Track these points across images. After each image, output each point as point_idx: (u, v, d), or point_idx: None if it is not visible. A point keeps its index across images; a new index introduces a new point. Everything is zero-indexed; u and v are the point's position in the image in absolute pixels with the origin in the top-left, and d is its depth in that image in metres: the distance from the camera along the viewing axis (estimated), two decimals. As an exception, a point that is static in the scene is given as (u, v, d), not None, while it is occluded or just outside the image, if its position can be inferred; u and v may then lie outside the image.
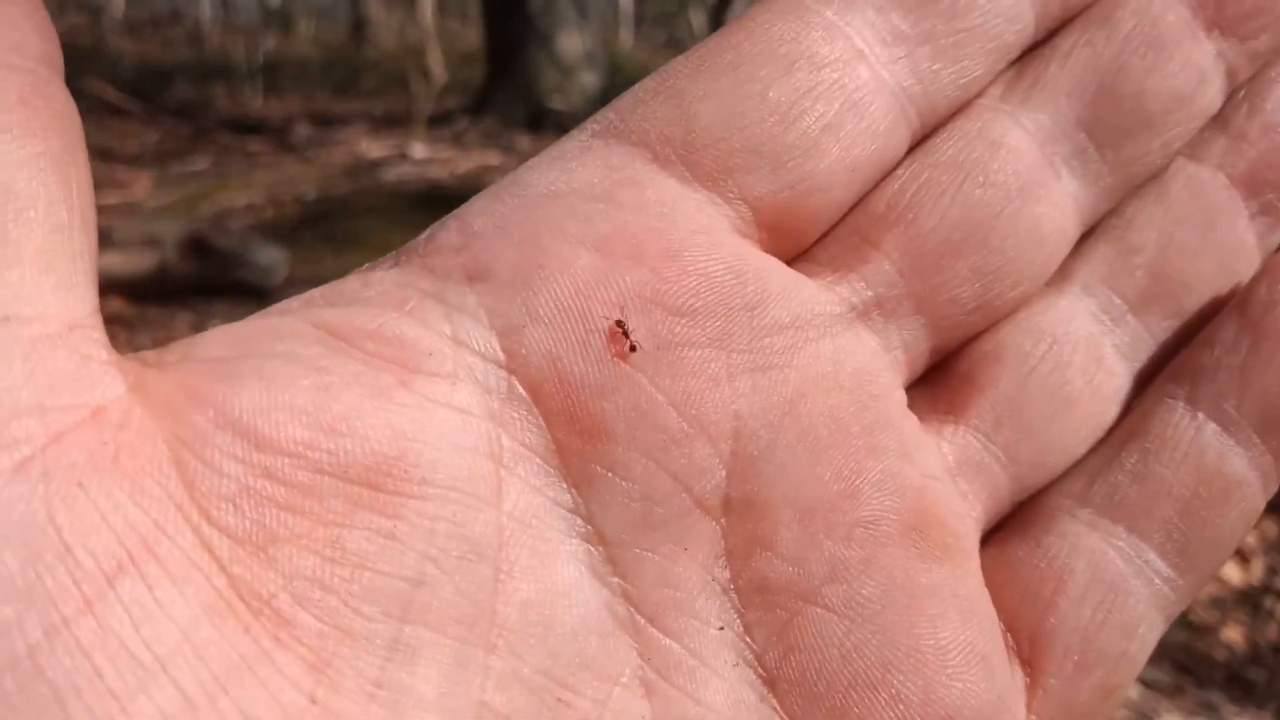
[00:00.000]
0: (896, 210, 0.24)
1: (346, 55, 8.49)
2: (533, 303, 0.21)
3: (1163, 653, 1.40)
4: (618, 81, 5.97)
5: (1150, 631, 0.25)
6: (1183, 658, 1.39)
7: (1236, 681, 1.35)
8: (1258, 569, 1.57)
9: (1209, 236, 0.26)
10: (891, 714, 0.22)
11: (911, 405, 0.25)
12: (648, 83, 0.24)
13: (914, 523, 0.23)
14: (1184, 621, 1.46)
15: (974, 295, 0.25)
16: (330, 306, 0.22)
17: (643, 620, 0.21)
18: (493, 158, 4.73)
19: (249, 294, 2.87)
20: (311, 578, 0.18)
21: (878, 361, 0.24)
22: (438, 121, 5.33)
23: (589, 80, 5.40)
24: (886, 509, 0.23)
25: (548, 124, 5.23)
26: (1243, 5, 0.25)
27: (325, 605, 0.18)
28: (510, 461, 0.21)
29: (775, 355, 0.23)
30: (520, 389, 0.21)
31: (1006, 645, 0.24)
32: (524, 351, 0.21)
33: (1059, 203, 0.25)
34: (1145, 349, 0.26)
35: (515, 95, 5.32)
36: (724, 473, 0.22)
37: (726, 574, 0.22)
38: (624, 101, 0.24)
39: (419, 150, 4.80)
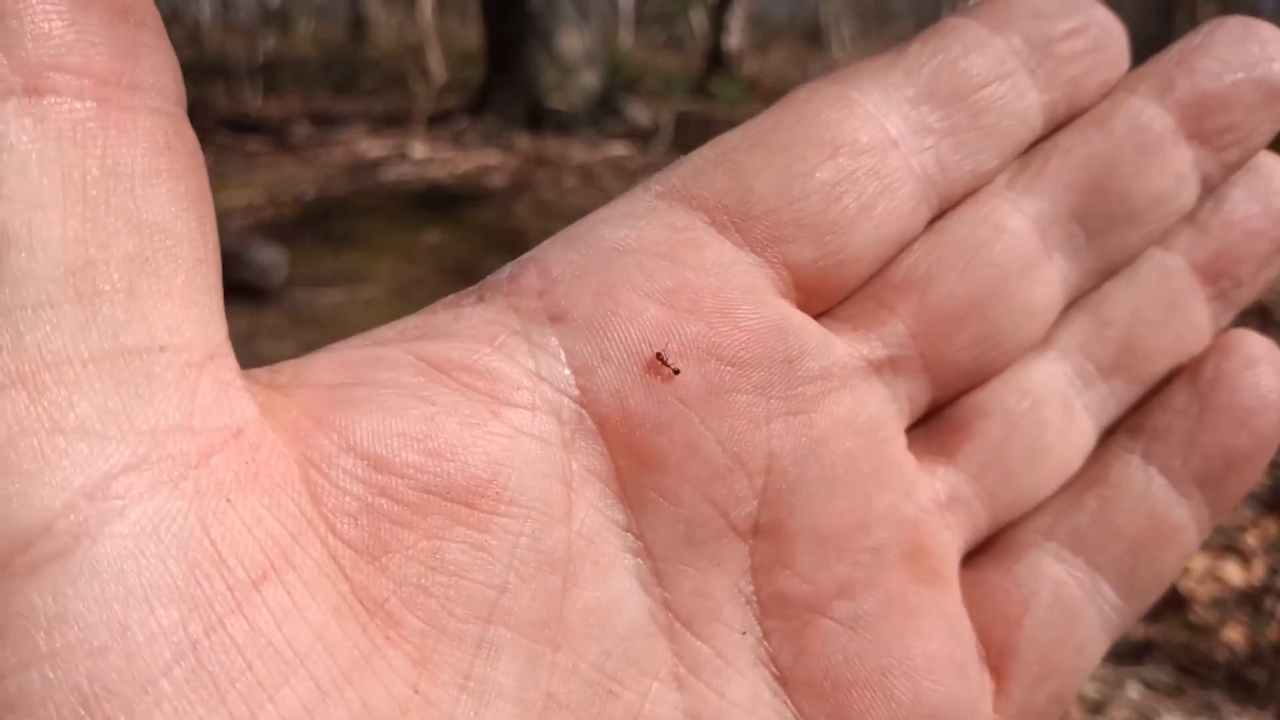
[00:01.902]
0: (912, 281, 0.28)
1: (346, 55, 8.49)
2: (605, 346, 0.24)
3: (1164, 653, 1.40)
4: (618, 81, 5.97)
5: (1096, 649, 0.29)
6: (1183, 658, 1.39)
7: (1237, 682, 1.35)
8: (1259, 569, 1.57)
9: (1171, 315, 0.30)
10: (885, 712, 0.26)
11: (910, 445, 0.29)
12: (707, 151, 0.27)
13: (910, 550, 0.27)
14: (1185, 622, 1.46)
15: (972, 359, 0.28)
16: (426, 339, 0.24)
17: (679, 625, 0.25)
18: (492, 157, 4.73)
19: (248, 293, 2.87)
20: (417, 584, 0.21)
21: (887, 410, 0.28)
22: (437, 121, 5.33)
23: (589, 80, 5.39)
24: (888, 538, 0.27)
25: (547, 123, 5.23)
26: (1219, 120, 0.29)
27: (427, 608, 0.21)
28: (579, 485, 0.24)
29: (806, 402, 0.26)
30: (590, 421, 0.24)
31: (979, 655, 0.29)
32: (595, 389, 0.24)
33: (1050, 281, 0.29)
34: (1109, 408, 0.30)
35: (515, 95, 5.32)
36: (756, 502, 0.25)
37: (751, 588, 0.26)
38: (685, 168, 0.27)
39: (418, 150, 4.80)
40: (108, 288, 0.18)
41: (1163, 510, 0.29)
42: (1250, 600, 1.52)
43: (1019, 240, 0.28)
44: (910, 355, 0.28)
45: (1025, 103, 0.28)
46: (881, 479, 0.27)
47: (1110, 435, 0.30)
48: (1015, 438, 0.29)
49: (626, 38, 10.07)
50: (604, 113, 5.39)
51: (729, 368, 0.25)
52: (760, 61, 8.20)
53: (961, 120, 0.28)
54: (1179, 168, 0.29)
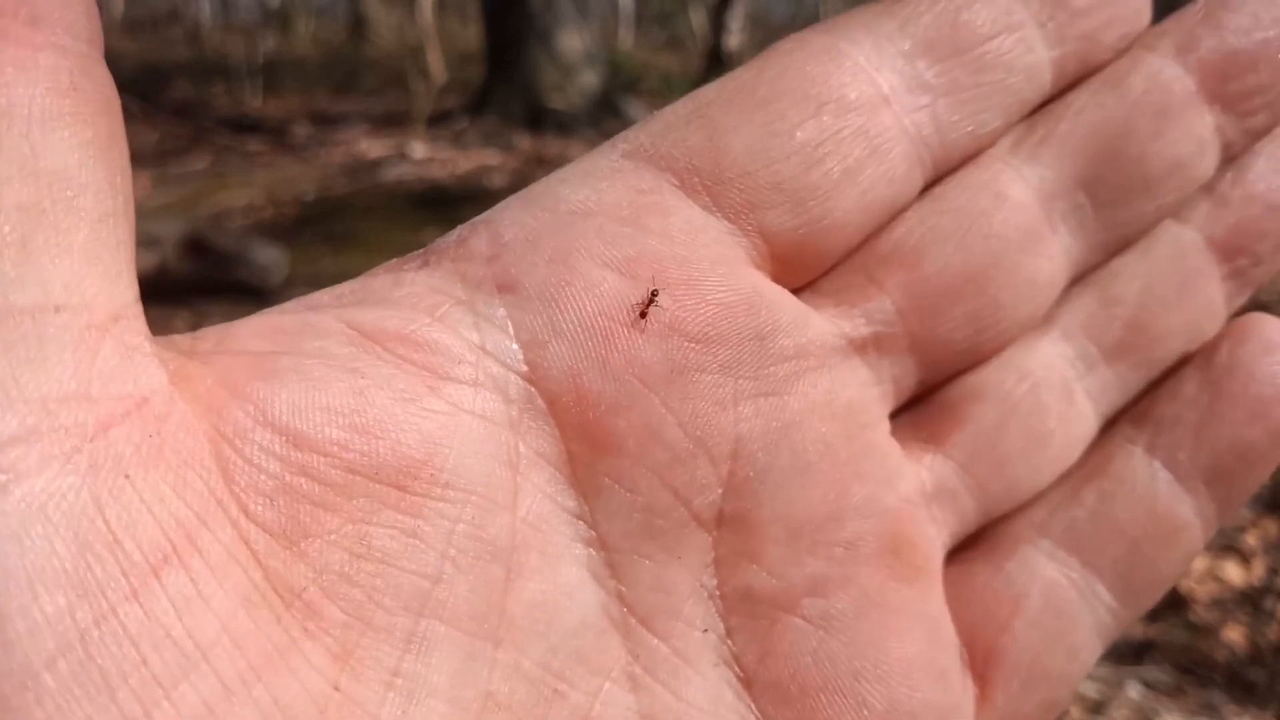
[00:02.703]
0: (902, 253, 0.26)
1: (346, 55, 8.48)
2: (558, 319, 0.22)
3: (1164, 653, 1.40)
4: (618, 81, 5.97)
5: (1090, 655, 0.27)
6: (1184, 658, 1.39)
7: (1237, 682, 1.35)
8: (1259, 569, 1.57)
9: (1183, 295, 0.27)
10: (856, 718, 0.24)
11: (896, 428, 0.27)
12: (680, 107, 0.25)
13: (889, 545, 0.25)
14: (1185, 622, 1.46)
15: (966, 338, 0.26)
16: (362, 305, 0.22)
17: (634, 621, 0.23)
18: (492, 157, 4.72)
19: (248, 293, 2.87)
20: (339, 572, 0.19)
21: (869, 393, 0.26)
22: (437, 121, 5.32)
23: (589, 79, 5.39)
24: (866, 531, 0.25)
25: (547, 123, 5.22)
26: (1245, 82, 0.26)
27: (350, 598, 0.19)
28: (526, 469, 0.22)
29: (778, 383, 0.24)
30: (539, 400, 0.22)
31: (962, 659, 0.27)
32: (545, 365, 0.22)
33: (1053, 256, 0.26)
34: (1113, 394, 0.28)
35: (515, 94, 5.32)
36: (721, 490, 0.23)
37: (714, 582, 0.24)
38: (655, 124, 0.25)
39: (418, 150, 4.80)
40: None
41: (1166, 507, 0.27)
42: (1250, 600, 1.52)
43: (1021, 210, 0.26)
44: (896, 333, 0.26)
45: (1033, 58, 0.26)
46: (859, 467, 0.25)
47: (1113, 424, 0.28)
48: (1011, 424, 0.27)
49: (626, 37, 10.07)
50: (604, 113, 5.38)
51: (694, 344, 0.23)
52: (760, 61, 8.17)
53: (962, 76, 0.25)
54: (1199, 133, 0.26)
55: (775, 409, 0.24)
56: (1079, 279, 0.28)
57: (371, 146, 4.95)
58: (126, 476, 0.17)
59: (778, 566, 0.24)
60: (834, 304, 0.26)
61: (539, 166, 4.59)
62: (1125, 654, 1.40)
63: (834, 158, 0.24)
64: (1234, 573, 1.57)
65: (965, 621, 0.27)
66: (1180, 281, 0.27)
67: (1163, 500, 0.27)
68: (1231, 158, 0.27)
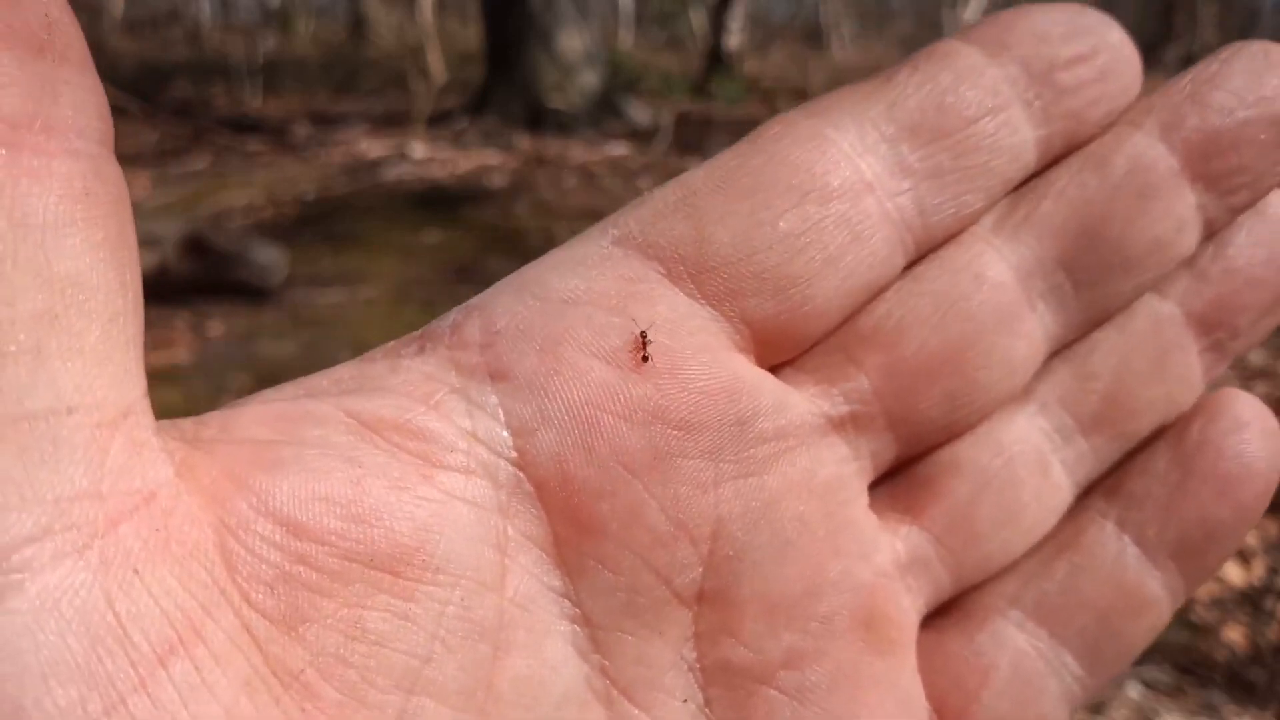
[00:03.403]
0: (881, 334, 0.26)
1: (346, 55, 8.48)
2: (546, 407, 0.23)
3: (1164, 653, 1.40)
4: (618, 81, 5.97)
5: None
6: (1183, 658, 1.39)
7: (1237, 682, 1.35)
8: (1258, 569, 1.57)
9: (1160, 369, 0.28)
10: None
11: (874, 499, 0.28)
12: (669, 193, 0.26)
13: (863, 619, 0.26)
14: (1185, 622, 1.46)
15: (943, 415, 0.27)
16: (359, 393, 0.23)
17: (617, 693, 0.24)
18: (492, 157, 4.73)
19: (248, 293, 2.87)
20: (335, 654, 0.20)
21: (847, 469, 0.27)
22: (437, 121, 5.32)
23: (588, 79, 5.39)
24: (841, 606, 0.26)
25: (547, 123, 5.22)
26: (1228, 162, 0.26)
27: (345, 678, 0.20)
28: (513, 550, 0.23)
29: (758, 464, 0.25)
30: (527, 485, 0.23)
31: None
32: (534, 451, 0.23)
33: (1031, 335, 0.27)
34: (1089, 465, 0.28)
35: (515, 94, 5.32)
36: (701, 569, 0.24)
37: (694, 654, 0.25)
38: (645, 209, 0.26)
39: (418, 149, 4.80)
40: (13, 348, 0.17)
41: (1134, 582, 0.27)
42: (1250, 600, 1.52)
43: (1000, 291, 0.26)
44: (874, 412, 0.26)
45: (1018, 139, 0.26)
46: (836, 543, 0.26)
47: (1087, 494, 0.29)
48: (986, 498, 0.27)
49: (626, 38, 10.07)
50: (604, 113, 5.38)
51: (676, 431, 0.24)
52: (760, 61, 8.20)
53: (945, 160, 0.25)
54: (1180, 213, 0.26)
55: (755, 489, 0.25)
56: (1058, 353, 0.28)
57: (371, 146, 4.95)
58: (135, 571, 0.18)
59: (755, 640, 0.25)
60: (814, 381, 0.27)
61: (539, 166, 4.59)
62: (1125, 654, 1.40)
63: (815, 246, 0.25)
64: (1234, 573, 1.57)
65: (936, 689, 0.27)
66: (1157, 355, 0.28)
67: (1131, 575, 0.27)
68: (1213, 233, 0.28)
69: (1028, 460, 0.28)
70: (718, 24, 7.32)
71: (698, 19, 9.48)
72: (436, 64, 6.16)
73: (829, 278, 0.25)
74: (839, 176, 0.25)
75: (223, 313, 2.79)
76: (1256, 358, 2.38)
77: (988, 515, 0.27)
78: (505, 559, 0.23)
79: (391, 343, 0.25)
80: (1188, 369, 0.28)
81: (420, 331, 0.25)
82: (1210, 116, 0.26)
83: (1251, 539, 1.65)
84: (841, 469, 0.26)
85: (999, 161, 0.26)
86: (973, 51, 0.26)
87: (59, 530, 0.17)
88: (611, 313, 0.24)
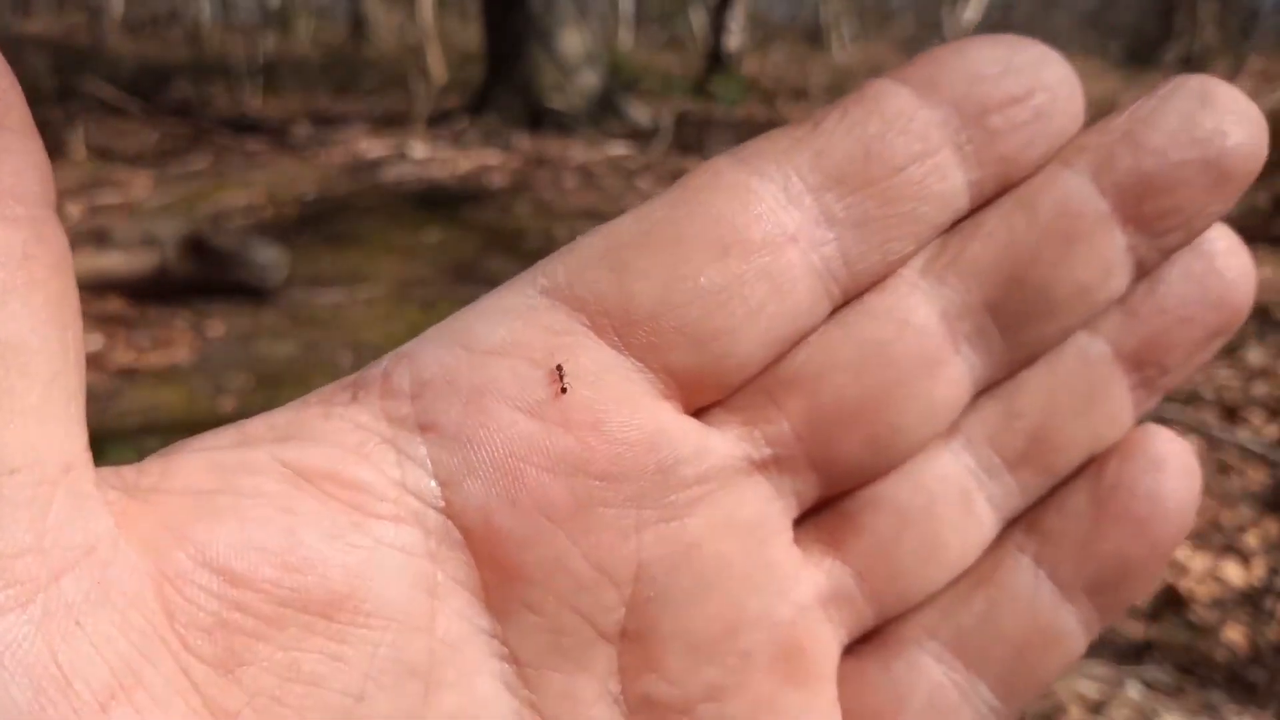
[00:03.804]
0: (802, 380, 0.27)
1: (346, 55, 8.49)
2: (472, 458, 0.24)
3: (1164, 653, 1.40)
4: (618, 81, 5.97)
5: None
6: (1184, 658, 1.39)
7: (1237, 682, 1.35)
8: (1259, 569, 1.57)
9: (1088, 406, 0.28)
10: None
11: (799, 536, 0.28)
12: (596, 243, 0.26)
13: (782, 653, 0.27)
14: (1185, 622, 1.46)
15: (864, 458, 0.27)
16: (294, 441, 0.24)
17: None
18: (492, 157, 4.73)
19: (248, 293, 2.87)
20: (271, 695, 0.21)
21: (770, 507, 0.27)
22: (437, 121, 5.33)
23: (589, 79, 5.39)
24: (760, 641, 0.26)
25: (547, 123, 5.22)
26: (1160, 204, 0.26)
27: (281, 717, 0.21)
28: (443, 594, 0.24)
29: (680, 509, 0.26)
30: (455, 533, 0.24)
31: None
32: (461, 501, 0.24)
33: (955, 378, 0.27)
34: (1014, 500, 0.28)
35: (515, 95, 5.32)
36: (624, 610, 0.25)
37: (619, 688, 0.26)
38: (572, 259, 0.26)
39: (418, 150, 4.80)
40: None
41: (1048, 617, 0.28)
42: (1250, 600, 1.52)
43: (924, 336, 0.26)
44: (796, 455, 0.27)
45: (948, 185, 0.26)
46: (756, 580, 0.26)
47: (1010, 528, 0.29)
48: (907, 535, 0.27)
49: (626, 38, 10.07)
50: (604, 113, 5.39)
51: (599, 482, 0.25)
52: (760, 61, 8.20)
53: (872, 209, 0.25)
54: (1108, 257, 0.26)
55: (676, 533, 0.25)
56: (987, 390, 0.28)
57: (372, 146, 4.96)
58: (77, 622, 0.19)
59: (677, 675, 0.26)
60: (740, 423, 0.27)
61: (539, 166, 4.59)
62: (1125, 654, 1.40)
63: (737, 301, 0.25)
64: (1234, 573, 1.57)
65: (854, 717, 0.28)
66: (1086, 393, 0.28)
67: (1045, 610, 0.28)
68: (1145, 273, 0.27)
69: (950, 497, 0.28)
70: (718, 24, 7.32)
71: (698, 19, 9.48)
72: (436, 64, 6.16)
73: (751, 330, 0.25)
74: (761, 230, 0.25)
75: (223, 312, 2.79)
76: (1256, 358, 2.38)
77: (909, 550, 0.28)
78: (435, 602, 0.24)
79: (328, 387, 0.26)
80: (1117, 405, 0.28)
81: (354, 378, 0.26)
82: (1143, 158, 0.26)
83: (1251, 539, 1.65)
84: (764, 508, 0.27)
85: (928, 208, 0.26)
86: (904, 93, 0.26)
87: (2, 586, 0.18)
88: (535, 365, 0.25)
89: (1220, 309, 0.27)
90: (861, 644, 0.29)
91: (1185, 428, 2.01)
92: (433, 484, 0.24)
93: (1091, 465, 0.28)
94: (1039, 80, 0.25)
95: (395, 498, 0.24)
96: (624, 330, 0.25)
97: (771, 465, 0.27)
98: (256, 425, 0.24)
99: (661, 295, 0.25)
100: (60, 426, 0.20)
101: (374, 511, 0.23)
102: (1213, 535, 1.68)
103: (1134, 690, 1.32)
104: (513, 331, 0.25)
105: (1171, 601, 1.52)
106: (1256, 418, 2.08)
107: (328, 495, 0.23)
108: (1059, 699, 1.30)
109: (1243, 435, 1.99)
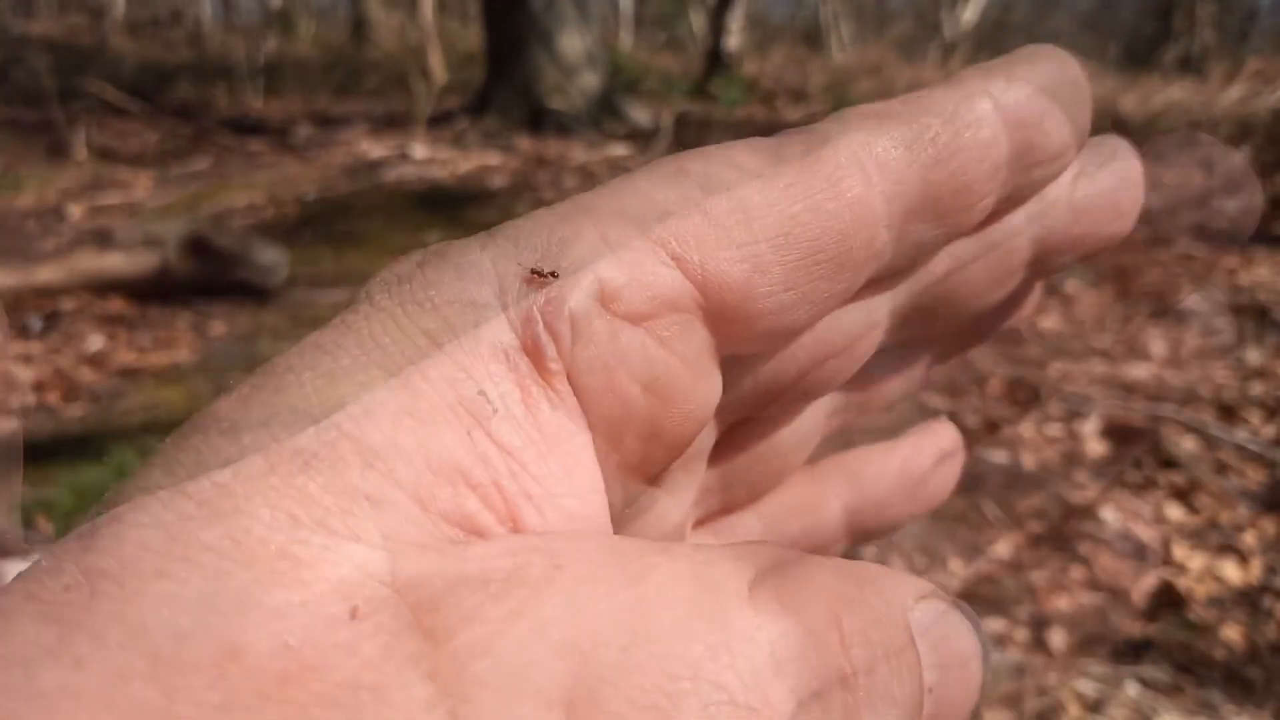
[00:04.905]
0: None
1: (347, 56, 8.49)
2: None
3: (1162, 652, 1.40)
4: (618, 82, 5.97)
5: None
6: (1182, 657, 1.39)
7: (1235, 681, 1.35)
8: (1256, 568, 1.58)
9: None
10: None
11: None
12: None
13: None
14: (1183, 621, 1.46)
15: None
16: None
17: None
18: (493, 158, 4.73)
19: (250, 293, 2.88)
20: None
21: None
22: (438, 122, 5.33)
23: (589, 80, 5.40)
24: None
25: (548, 124, 5.23)
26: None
27: None
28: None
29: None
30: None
31: None
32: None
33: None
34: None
35: (515, 95, 5.33)
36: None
37: None
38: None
39: (419, 150, 4.80)
40: None
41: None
42: (1248, 599, 1.52)
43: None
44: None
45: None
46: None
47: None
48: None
49: (627, 39, 10.08)
50: (604, 113, 5.39)
51: None
52: (760, 62, 8.20)
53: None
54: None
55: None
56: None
57: (372, 147, 4.96)
58: None
59: None
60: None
61: (539, 167, 4.59)
62: (1124, 652, 1.40)
63: None
64: (1232, 572, 1.58)
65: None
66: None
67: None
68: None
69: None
70: (717, 25, 7.33)
71: (697, 20, 9.49)
72: (437, 65, 6.17)
73: None
74: None
75: (224, 313, 2.80)
76: (1254, 357, 2.38)
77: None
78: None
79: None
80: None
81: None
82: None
83: (1249, 538, 1.66)
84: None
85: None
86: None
87: None
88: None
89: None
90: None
91: (1183, 427, 2.02)
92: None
93: (902, 451, 0.31)
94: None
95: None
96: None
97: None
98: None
99: None
100: None
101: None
102: (1211, 534, 1.68)
103: (1132, 689, 1.33)
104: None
105: (1170, 600, 1.52)
106: (1254, 417, 2.08)
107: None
108: (1057, 697, 1.30)
109: (1240, 435, 1.99)
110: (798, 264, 0.21)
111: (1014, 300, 0.29)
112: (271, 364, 0.21)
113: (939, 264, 0.27)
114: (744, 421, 0.28)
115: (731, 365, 0.23)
